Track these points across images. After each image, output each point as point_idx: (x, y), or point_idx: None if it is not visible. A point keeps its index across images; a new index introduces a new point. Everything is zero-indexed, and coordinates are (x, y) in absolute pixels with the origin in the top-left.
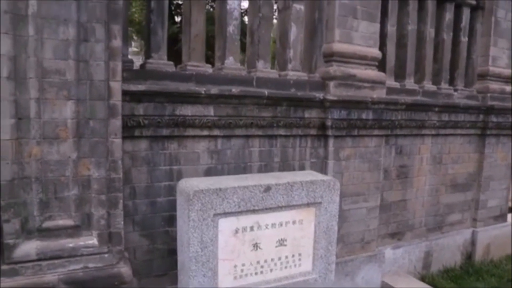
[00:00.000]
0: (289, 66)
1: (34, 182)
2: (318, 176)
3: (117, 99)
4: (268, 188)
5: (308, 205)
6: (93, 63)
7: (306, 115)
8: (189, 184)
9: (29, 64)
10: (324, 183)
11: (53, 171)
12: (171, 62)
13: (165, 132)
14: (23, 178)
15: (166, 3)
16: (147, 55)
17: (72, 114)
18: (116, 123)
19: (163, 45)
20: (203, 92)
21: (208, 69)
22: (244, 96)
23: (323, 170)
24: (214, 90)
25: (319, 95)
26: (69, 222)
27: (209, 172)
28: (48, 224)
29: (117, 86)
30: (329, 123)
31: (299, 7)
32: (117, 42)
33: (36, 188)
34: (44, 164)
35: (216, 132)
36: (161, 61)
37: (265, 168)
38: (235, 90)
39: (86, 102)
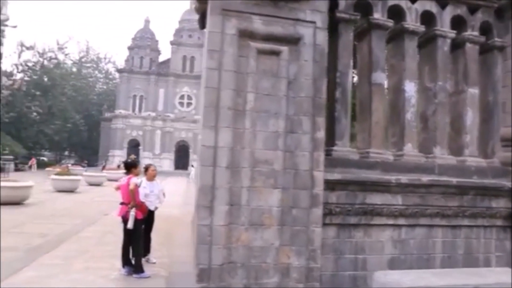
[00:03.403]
0: (466, 151)
1: (239, 268)
2: None
3: (319, 189)
4: None
5: None
6: (299, 153)
7: (493, 204)
8: (391, 279)
9: (243, 155)
10: None
11: (256, 257)
12: (354, 149)
13: (352, 220)
14: (230, 263)
15: (349, 93)
16: (331, 143)
17: (277, 202)
18: (318, 212)
19: (346, 132)
20: (393, 181)
21: (389, 156)
22: (431, 185)
23: (509, 265)
24: (404, 179)
25: (508, 183)
26: None
27: (392, 263)
28: None
29: (320, 175)
30: None
31: (474, 91)
32: (320, 134)
33: (240, 273)
34: (248, 250)
35: (401, 221)
36: (345, 149)
37: (449, 260)
38: (424, 179)
39: (290, 190)
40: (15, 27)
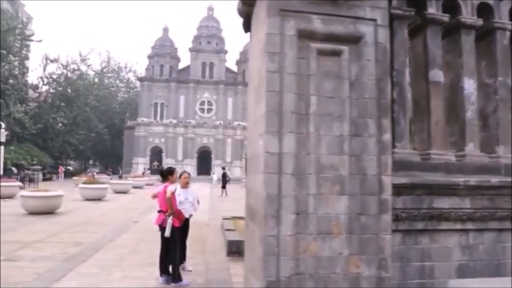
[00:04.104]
0: None
1: (308, 279)
2: None
3: (387, 194)
4: None
5: None
6: (365, 157)
7: None
8: None
9: (308, 160)
10: None
11: (324, 268)
12: (415, 151)
13: (419, 226)
14: (298, 274)
15: (407, 92)
16: (391, 145)
17: (345, 209)
18: (387, 218)
19: (405, 134)
20: (461, 184)
21: (451, 157)
22: (500, 187)
23: None
24: (472, 181)
25: None
26: None
27: (461, 270)
28: None
29: (387, 180)
30: None
31: None
32: (387, 136)
33: (309, 285)
34: (316, 260)
35: (469, 225)
36: (406, 151)
37: None
38: (493, 180)
39: (357, 196)
40: (40, 41)
